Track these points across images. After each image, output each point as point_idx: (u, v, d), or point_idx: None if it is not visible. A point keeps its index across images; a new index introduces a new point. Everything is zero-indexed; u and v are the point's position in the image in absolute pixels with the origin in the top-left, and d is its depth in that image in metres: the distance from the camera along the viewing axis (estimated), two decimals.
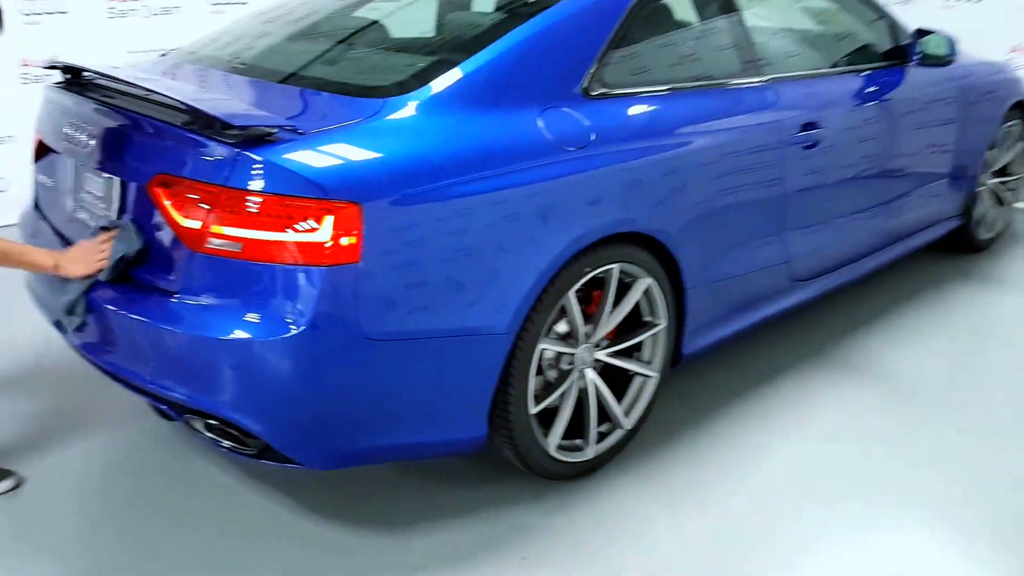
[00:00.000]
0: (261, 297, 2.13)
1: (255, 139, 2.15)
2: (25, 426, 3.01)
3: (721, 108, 2.98)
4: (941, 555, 2.44)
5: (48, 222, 2.86)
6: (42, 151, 2.87)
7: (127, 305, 2.31)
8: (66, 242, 2.65)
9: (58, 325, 2.58)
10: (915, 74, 3.83)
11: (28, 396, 3.23)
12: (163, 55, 3.21)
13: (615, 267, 2.62)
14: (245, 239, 2.12)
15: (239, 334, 2.13)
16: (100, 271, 2.34)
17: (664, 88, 2.85)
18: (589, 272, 2.54)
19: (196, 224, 2.16)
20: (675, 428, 3.00)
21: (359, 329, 2.16)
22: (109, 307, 2.35)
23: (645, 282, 2.72)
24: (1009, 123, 4.54)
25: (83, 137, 2.49)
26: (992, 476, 2.78)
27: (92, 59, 2.83)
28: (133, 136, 2.39)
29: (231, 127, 2.15)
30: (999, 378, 3.45)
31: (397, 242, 2.18)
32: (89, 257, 2.36)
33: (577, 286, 2.52)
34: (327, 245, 2.09)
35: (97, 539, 2.51)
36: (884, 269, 3.98)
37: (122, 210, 2.40)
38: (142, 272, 2.33)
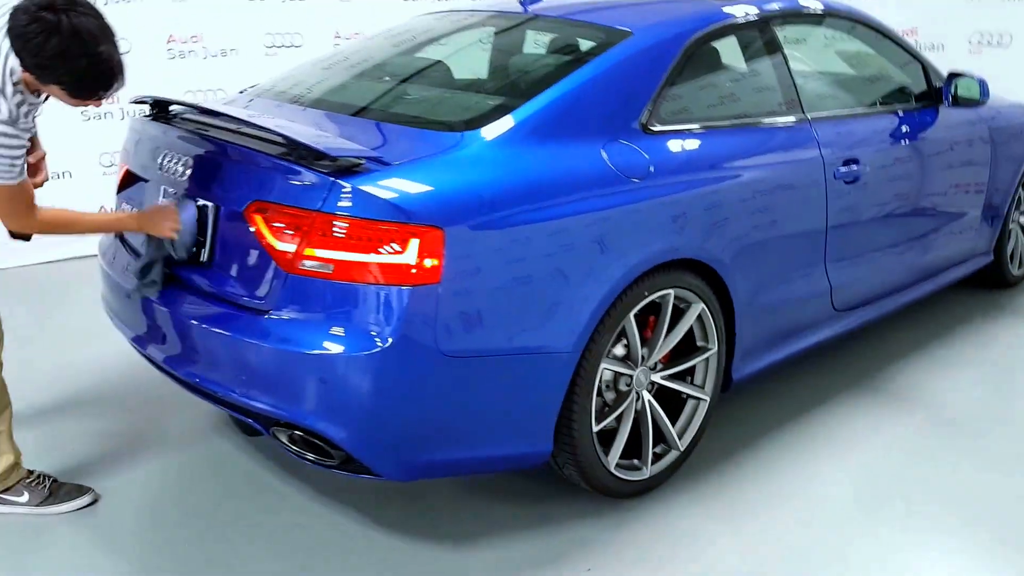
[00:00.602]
0: (349, 315, 2.32)
1: (346, 169, 2.35)
2: (102, 445, 3.19)
3: (768, 144, 3.18)
4: (981, 567, 2.59)
5: (130, 249, 3.04)
6: (127, 180, 3.07)
7: (219, 322, 2.50)
8: None
9: (138, 340, 2.79)
10: (948, 115, 4.03)
11: (105, 416, 3.41)
12: (241, 92, 3.43)
13: (671, 292, 2.80)
14: (337, 261, 2.31)
15: (328, 349, 2.31)
16: (174, 235, 2.57)
17: (715, 124, 3.06)
18: (648, 296, 2.72)
19: (290, 247, 2.36)
20: (727, 452, 3.16)
21: (438, 346, 2.34)
22: (200, 323, 2.54)
23: (698, 307, 2.90)
24: None
25: (177, 166, 2.69)
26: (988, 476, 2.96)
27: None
28: (228, 165, 2.59)
29: (325, 157, 2.36)
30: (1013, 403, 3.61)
31: (474, 265, 2.37)
32: (165, 218, 2.58)
33: (636, 309, 2.71)
34: (412, 267, 2.29)
35: (169, 554, 2.67)
36: (919, 303, 4.15)
37: (215, 235, 2.60)
38: (232, 290, 2.53)
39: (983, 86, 4.01)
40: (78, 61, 2.32)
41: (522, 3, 3.49)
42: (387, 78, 3.32)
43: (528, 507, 2.86)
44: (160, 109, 3.05)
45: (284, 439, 2.52)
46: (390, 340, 2.29)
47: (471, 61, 3.35)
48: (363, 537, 2.71)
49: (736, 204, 2.97)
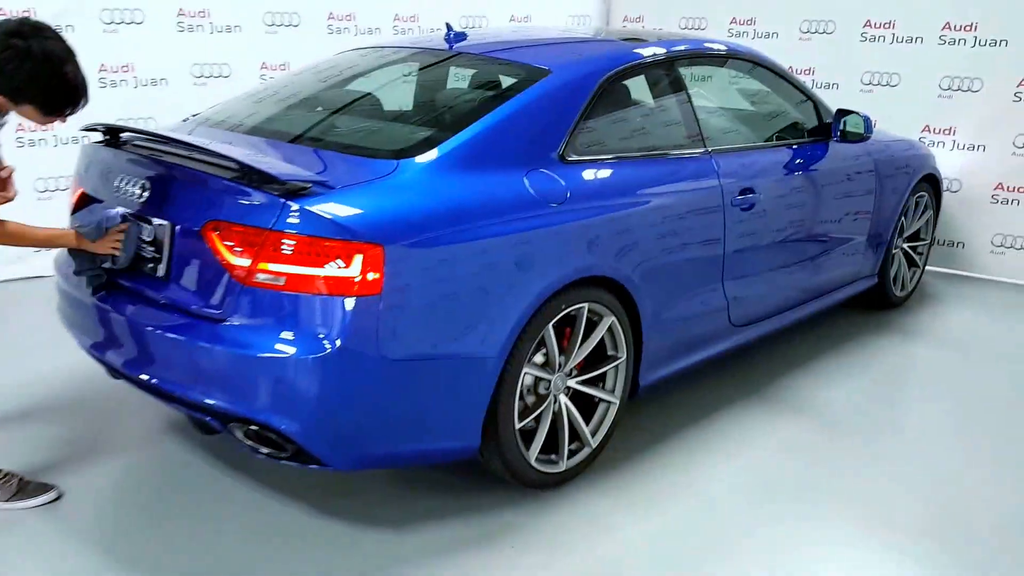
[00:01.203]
0: (300, 322, 2.65)
1: (295, 191, 2.69)
2: (64, 447, 3.46)
3: (673, 174, 3.61)
4: (860, 545, 3.03)
5: None
6: (81, 202, 3.34)
7: (178, 330, 2.80)
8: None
9: (96, 348, 3.07)
10: (837, 149, 4.54)
11: (65, 421, 3.69)
12: (184, 120, 3.74)
13: (585, 306, 3.20)
14: (288, 274, 2.64)
15: (282, 353, 2.63)
16: (114, 254, 2.92)
17: (626, 156, 3.49)
18: (564, 309, 3.11)
19: (245, 262, 2.68)
20: (634, 451, 3.56)
21: (379, 349, 2.69)
22: (160, 331, 2.83)
23: (609, 320, 3.30)
24: (918, 193, 5.30)
25: (134, 188, 2.98)
26: (903, 490, 3.41)
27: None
28: (184, 187, 2.90)
29: (276, 180, 2.70)
30: (910, 413, 4.11)
31: (410, 279, 2.72)
32: (106, 240, 2.91)
33: (554, 320, 3.09)
34: (356, 280, 2.63)
35: (130, 543, 2.95)
36: (811, 320, 4.65)
37: (172, 251, 2.90)
38: (189, 301, 2.83)
39: (867, 122, 4.53)
40: (49, 82, 2.66)
41: (447, 40, 3.87)
42: (321, 109, 3.67)
43: (456, 497, 3.21)
44: (112, 135, 3.34)
45: (240, 435, 2.82)
46: (337, 344, 2.63)
47: (399, 94, 3.71)
48: (309, 525, 3.03)
49: (644, 228, 3.39)
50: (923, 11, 6.17)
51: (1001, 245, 6.09)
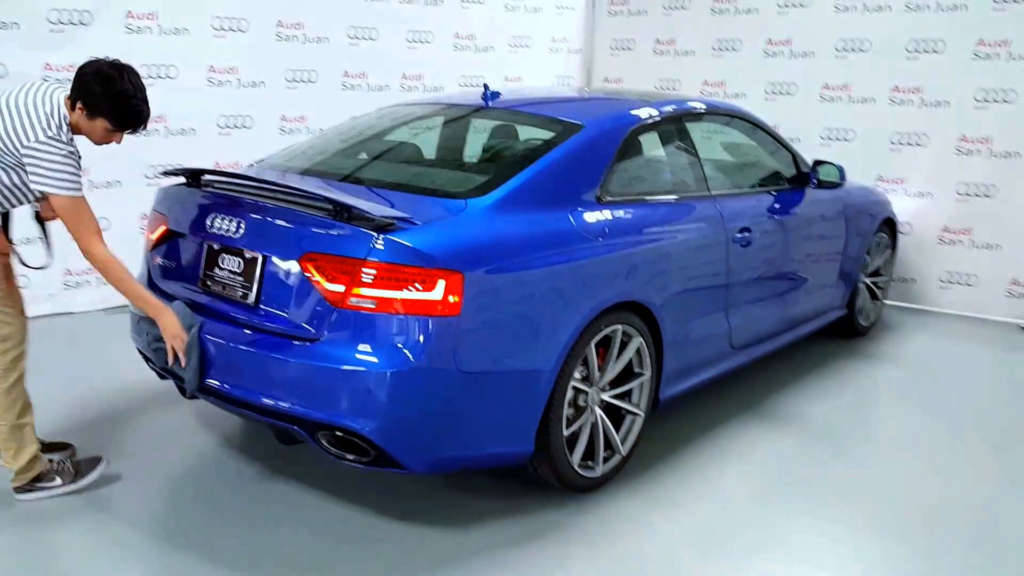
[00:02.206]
0: (387, 339, 2.91)
1: (383, 226, 2.97)
2: (128, 460, 3.65)
3: (686, 214, 3.97)
4: (847, 538, 3.35)
5: (162, 295, 3.52)
6: (163, 239, 3.57)
7: (274, 348, 3.04)
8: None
9: (166, 371, 3.30)
10: (813, 195, 4.95)
11: (126, 439, 3.88)
12: (250, 165, 4.00)
13: (619, 328, 3.51)
14: (378, 298, 2.91)
15: (371, 366, 2.89)
16: (176, 343, 3.18)
17: (647, 198, 3.83)
18: (604, 330, 3.42)
19: (340, 288, 2.94)
20: (657, 458, 3.87)
21: (456, 363, 2.97)
22: (254, 351, 3.07)
23: (638, 340, 3.62)
24: (879, 234, 5.73)
25: (228, 225, 3.23)
26: (882, 487, 3.76)
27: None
28: (278, 223, 3.15)
29: (367, 217, 2.98)
30: (883, 424, 4.49)
31: (484, 302, 3.01)
32: (176, 335, 3.18)
33: (596, 339, 3.40)
34: (439, 302, 2.91)
35: (197, 542, 3.17)
36: (792, 346, 5.02)
37: (262, 279, 3.15)
38: (281, 324, 3.08)
39: (841, 172, 4.94)
40: (130, 101, 3.09)
41: (484, 98, 4.20)
42: (380, 155, 3.97)
43: (504, 500, 3.46)
44: (193, 178, 3.58)
45: (325, 442, 3.06)
46: (421, 359, 2.90)
47: (452, 144, 4.04)
48: (375, 526, 3.26)
49: (665, 260, 3.73)
50: (874, 76, 6.67)
51: (948, 281, 6.56)
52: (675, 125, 4.19)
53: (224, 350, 3.17)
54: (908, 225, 6.57)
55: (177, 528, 3.23)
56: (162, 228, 3.57)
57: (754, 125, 4.83)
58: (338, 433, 3.00)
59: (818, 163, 4.99)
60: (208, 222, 3.32)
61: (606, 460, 3.60)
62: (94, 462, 3.46)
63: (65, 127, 3.05)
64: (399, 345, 2.90)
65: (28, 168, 3.02)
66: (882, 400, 4.91)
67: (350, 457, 3.06)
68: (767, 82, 7.14)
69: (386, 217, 3.01)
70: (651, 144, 4.08)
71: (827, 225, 5.09)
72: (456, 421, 3.05)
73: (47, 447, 3.56)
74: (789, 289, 4.78)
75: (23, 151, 2.99)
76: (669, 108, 4.19)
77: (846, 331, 5.68)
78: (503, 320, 3.08)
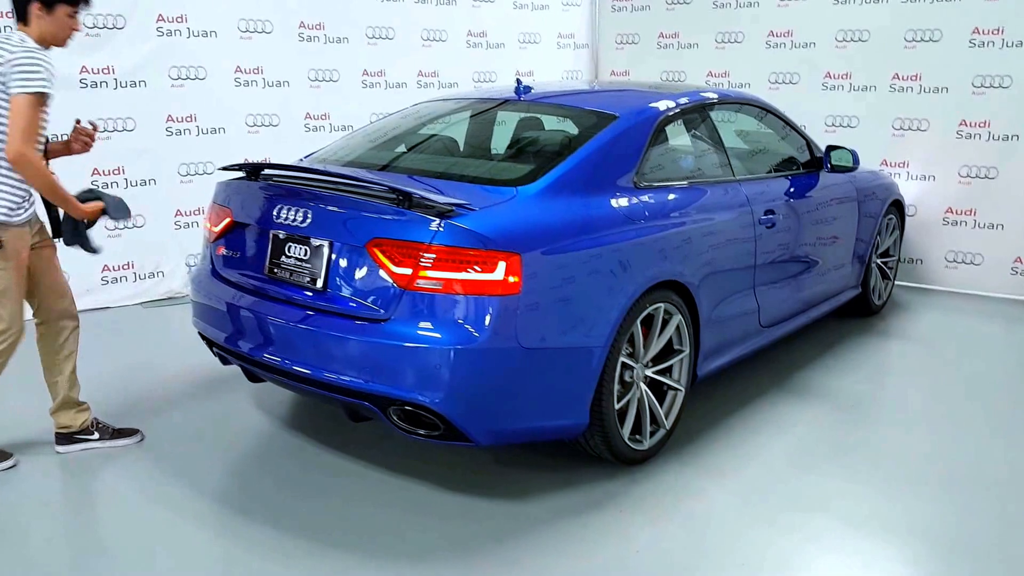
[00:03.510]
0: (453, 318, 3.02)
1: (444, 212, 3.09)
2: (195, 439, 3.76)
3: (716, 197, 4.09)
4: (883, 499, 3.50)
5: (226, 283, 3.64)
6: (227, 229, 3.68)
7: (347, 329, 3.14)
8: (256, 296, 3.47)
9: (253, 351, 3.41)
10: (827, 178, 5.09)
11: (195, 410, 3.97)
12: (300, 160, 4.11)
13: (662, 306, 3.64)
14: (444, 279, 3.03)
15: (439, 344, 3.00)
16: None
17: (679, 183, 3.96)
18: (648, 308, 3.55)
19: (406, 271, 3.06)
20: (698, 431, 3.99)
21: (517, 340, 3.08)
22: (328, 332, 3.17)
23: (677, 318, 3.75)
24: (888, 216, 5.88)
25: (294, 215, 3.34)
26: (911, 452, 3.90)
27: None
28: (344, 212, 3.26)
29: (430, 203, 3.10)
30: (903, 394, 4.64)
31: (541, 281, 3.12)
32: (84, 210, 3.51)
33: (641, 317, 3.53)
34: (500, 282, 3.03)
35: (265, 515, 3.27)
36: (811, 325, 5.16)
37: (329, 265, 3.27)
38: (349, 306, 3.19)
39: (855, 156, 5.08)
40: None
41: (517, 92, 4.32)
42: (424, 148, 4.09)
43: (556, 473, 3.58)
44: (253, 172, 3.69)
45: (395, 418, 3.18)
46: (485, 336, 3.01)
47: (495, 135, 4.16)
48: (437, 499, 3.37)
49: (700, 241, 3.84)
50: (874, 64, 6.82)
51: (953, 261, 6.72)
52: (699, 114, 4.32)
53: (295, 333, 3.27)
54: (913, 207, 6.72)
55: (243, 496, 3.34)
56: (227, 220, 3.67)
57: (769, 112, 4.96)
58: (407, 408, 3.12)
59: (831, 148, 5.12)
60: (274, 213, 3.42)
61: (652, 434, 3.73)
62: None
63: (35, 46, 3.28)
64: (464, 323, 3.02)
65: (11, 80, 3.20)
66: (902, 372, 5.05)
67: (422, 432, 3.18)
68: (770, 72, 7.28)
69: (447, 204, 3.13)
70: (679, 132, 4.20)
71: (841, 208, 5.22)
72: (518, 395, 3.17)
73: (116, 432, 3.70)
74: (809, 269, 4.91)
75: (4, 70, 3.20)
76: (693, 98, 4.31)
77: (860, 310, 5.82)
78: (558, 298, 3.20)
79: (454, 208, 3.13)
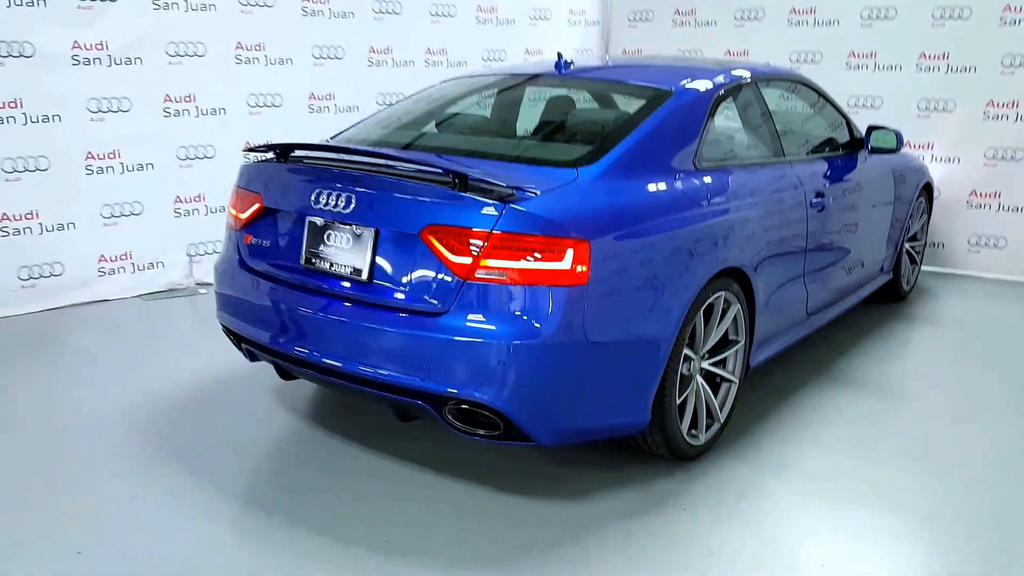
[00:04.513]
0: (517, 310, 2.86)
1: (506, 196, 2.93)
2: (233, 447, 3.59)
3: (773, 179, 3.96)
4: (946, 489, 3.40)
5: (256, 274, 3.45)
6: (255, 216, 3.48)
7: (400, 324, 2.97)
8: (292, 289, 3.29)
9: (286, 346, 3.24)
10: (869, 159, 4.98)
11: (229, 426, 3.80)
12: (332, 137, 3.91)
13: (722, 295, 3.50)
14: (507, 269, 2.86)
15: (501, 338, 2.84)
16: None
17: (738, 163, 3.82)
18: (711, 296, 3.41)
19: (466, 260, 2.89)
20: (751, 424, 3.89)
21: (584, 334, 2.94)
22: (379, 326, 3.00)
23: (735, 307, 3.61)
24: (919, 199, 5.79)
25: (336, 200, 3.15)
26: (971, 441, 3.82)
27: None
28: (393, 196, 3.08)
29: (491, 187, 2.93)
30: (950, 383, 4.56)
31: (609, 269, 2.98)
32: None
33: (703, 307, 3.39)
34: (568, 272, 2.88)
35: (313, 517, 3.12)
36: (844, 312, 5.07)
37: (376, 254, 3.09)
38: (401, 299, 3.02)
39: (899, 137, 4.94)
40: None
41: (557, 67, 4.15)
42: (473, 127, 3.93)
43: (613, 472, 3.44)
44: (282, 153, 3.49)
45: (451, 417, 3.02)
46: (551, 330, 2.86)
47: (544, 113, 3.98)
48: (495, 502, 3.22)
49: (758, 225, 3.72)
50: (900, 43, 6.72)
51: (976, 244, 6.66)
52: (751, 90, 4.18)
53: (339, 328, 3.10)
54: (937, 190, 6.64)
55: (286, 503, 3.17)
56: (255, 206, 3.47)
57: (812, 90, 4.84)
58: (464, 407, 2.96)
59: (873, 128, 5.00)
60: (311, 198, 3.22)
61: (707, 427, 3.61)
62: None
63: None
64: (529, 316, 2.87)
65: None
66: (941, 360, 4.96)
67: (481, 432, 3.03)
68: (792, 51, 7.16)
69: (509, 186, 2.97)
70: (732, 109, 4.06)
71: (881, 191, 5.12)
72: (583, 391, 3.02)
73: None
74: (850, 254, 4.80)
75: None
76: (743, 73, 4.17)
77: (889, 295, 5.74)
78: (626, 288, 3.06)
79: (514, 192, 2.96)
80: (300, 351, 3.23)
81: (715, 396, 3.65)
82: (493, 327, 2.87)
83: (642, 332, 3.12)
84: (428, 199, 3.01)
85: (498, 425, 2.98)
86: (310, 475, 3.41)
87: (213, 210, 5.91)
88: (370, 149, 3.46)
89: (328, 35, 6.29)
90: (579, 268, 2.89)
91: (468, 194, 2.94)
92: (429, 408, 3.02)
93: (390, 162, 3.24)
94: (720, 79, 3.95)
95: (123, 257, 5.59)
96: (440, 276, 2.95)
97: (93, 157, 5.41)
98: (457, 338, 2.89)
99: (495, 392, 2.88)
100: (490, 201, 2.90)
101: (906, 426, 3.97)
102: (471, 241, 2.89)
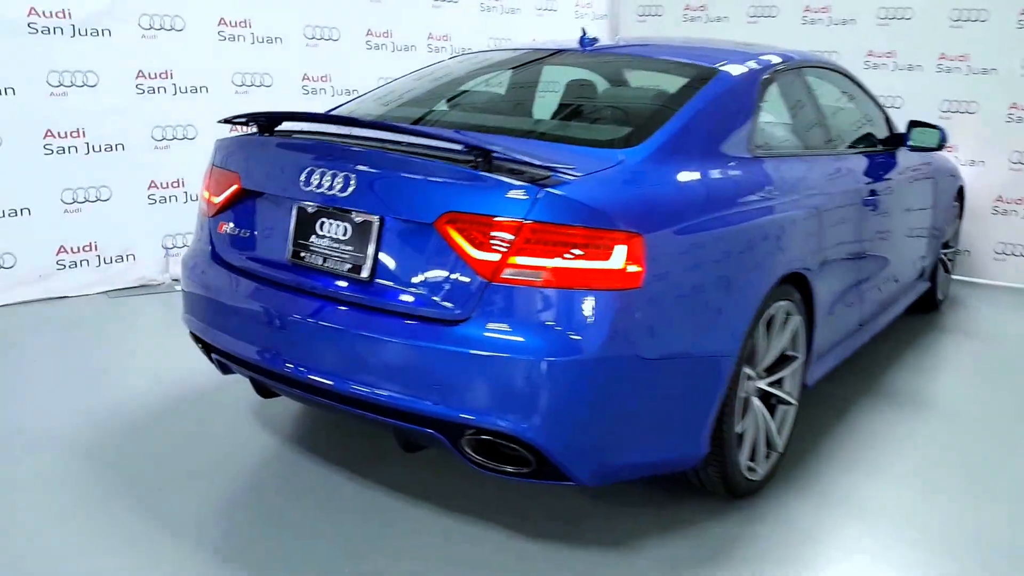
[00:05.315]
0: (555, 320, 2.19)
1: (539, 179, 2.25)
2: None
3: (830, 172, 3.32)
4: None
5: (232, 270, 2.76)
6: (232, 199, 2.78)
7: (406, 334, 2.29)
8: (275, 288, 2.60)
9: (270, 361, 2.54)
10: (909, 157, 4.33)
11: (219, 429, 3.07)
12: (331, 110, 3.22)
13: (784, 304, 2.85)
14: (543, 267, 2.19)
15: (535, 355, 2.17)
16: None
17: (793, 152, 3.17)
18: (771, 306, 2.75)
19: (493, 256, 2.21)
20: (803, 451, 3.23)
21: (636, 349, 2.27)
22: (381, 337, 2.31)
23: (796, 319, 2.96)
24: (955, 203, 5.18)
25: (332, 181, 2.46)
26: (1007, 455, 3.22)
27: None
28: (402, 178, 2.40)
29: (526, 166, 2.26)
30: (1007, 401, 3.92)
31: (667, 271, 2.32)
32: None
33: (766, 318, 2.73)
34: (618, 272, 2.21)
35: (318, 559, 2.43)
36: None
37: (379, 247, 2.41)
38: (409, 303, 2.33)
39: (943, 134, 4.29)
40: None
41: (582, 43, 3.47)
42: (503, 102, 3.26)
43: (656, 513, 2.78)
44: (268, 126, 2.80)
45: (469, 450, 2.34)
46: (595, 344, 2.19)
47: (572, 91, 3.31)
48: (520, 549, 2.55)
49: (822, 224, 3.07)
50: (919, 43, 6.16)
51: (1002, 253, 6.07)
52: (797, 75, 3.53)
53: (333, 338, 2.41)
54: None
55: (259, 547, 2.48)
56: (232, 188, 2.77)
57: (851, 80, 4.20)
58: (484, 437, 2.28)
59: (914, 124, 4.34)
60: (300, 179, 2.53)
61: (765, 458, 2.95)
62: None
63: None
64: (566, 327, 2.19)
65: None
66: (990, 375, 4.33)
67: (509, 469, 2.34)
68: (806, 48, 6.50)
69: (544, 165, 2.29)
70: (781, 94, 3.41)
71: (924, 192, 4.50)
72: (632, 419, 2.35)
73: None
74: (896, 260, 4.17)
75: None
76: (789, 57, 3.51)
77: (925, 305, 5.11)
78: (687, 293, 2.40)
79: (551, 173, 2.28)
80: (281, 365, 2.54)
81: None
82: (522, 339, 2.20)
83: (704, 347, 2.47)
84: (445, 181, 2.32)
85: (528, 460, 2.29)
86: (295, 515, 2.70)
87: (194, 197, 5.16)
88: (374, 120, 2.75)
89: (322, 15, 5.61)
90: (631, 268, 2.22)
91: (494, 175, 2.25)
92: (442, 438, 2.33)
93: (398, 136, 2.55)
94: (769, 58, 3.30)
95: (87, 248, 4.85)
96: (458, 275, 2.27)
97: (53, 135, 4.68)
98: (478, 352, 2.21)
99: (524, 420, 2.20)
100: (521, 184, 2.22)
101: (967, 450, 3.38)
102: (497, 233, 2.22)
